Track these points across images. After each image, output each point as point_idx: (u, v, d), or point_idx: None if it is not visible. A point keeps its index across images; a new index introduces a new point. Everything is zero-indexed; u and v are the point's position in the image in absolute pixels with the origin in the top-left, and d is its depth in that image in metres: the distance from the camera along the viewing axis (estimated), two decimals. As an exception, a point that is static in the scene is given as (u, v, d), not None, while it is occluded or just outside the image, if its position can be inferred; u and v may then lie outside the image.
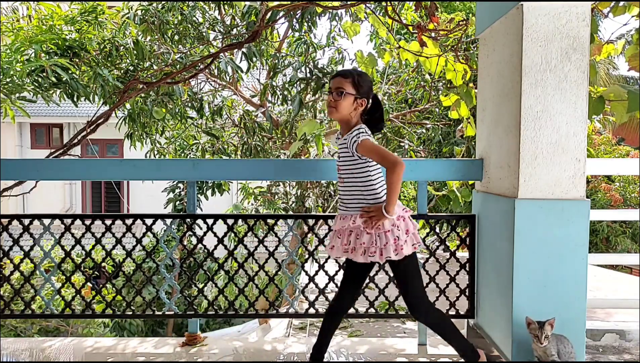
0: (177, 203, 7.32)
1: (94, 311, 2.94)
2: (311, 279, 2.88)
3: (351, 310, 2.87)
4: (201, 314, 2.97)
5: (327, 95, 2.22)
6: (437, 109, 7.49)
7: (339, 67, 6.92)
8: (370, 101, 2.23)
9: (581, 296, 2.26)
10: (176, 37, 6.09)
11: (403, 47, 3.87)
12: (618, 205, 9.97)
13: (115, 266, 3.10)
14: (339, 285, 2.38)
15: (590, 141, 9.50)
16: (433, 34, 3.76)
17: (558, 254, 2.26)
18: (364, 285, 2.64)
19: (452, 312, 2.85)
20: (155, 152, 7.42)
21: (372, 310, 2.88)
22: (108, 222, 2.95)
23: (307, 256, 2.96)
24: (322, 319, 2.39)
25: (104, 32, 5.21)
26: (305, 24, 5.69)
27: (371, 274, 2.88)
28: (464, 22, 3.87)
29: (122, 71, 5.61)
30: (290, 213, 7.55)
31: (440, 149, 7.19)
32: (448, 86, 6.79)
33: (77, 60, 4.90)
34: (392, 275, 2.58)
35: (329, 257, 2.76)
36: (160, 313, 2.92)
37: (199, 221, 2.94)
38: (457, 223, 2.97)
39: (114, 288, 3.31)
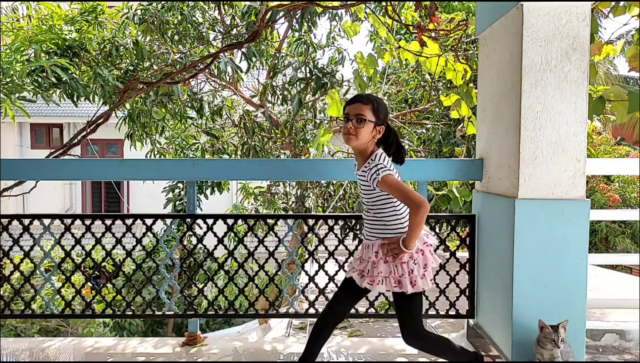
0: (177, 202, 7.31)
1: (94, 311, 2.94)
2: (311, 279, 2.88)
3: (351, 310, 2.87)
4: (201, 314, 2.97)
5: (344, 121, 2.11)
6: (437, 109, 7.48)
7: (339, 67, 6.91)
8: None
9: (581, 296, 2.26)
10: (176, 37, 6.09)
11: (403, 47, 3.86)
12: (617, 205, 9.97)
13: (115, 266, 3.11)
14: (335, 294, 2.30)
15: (590, 141, 9.50)
16: (433, 34, 3.76)
17: (558, 254, 2.26)
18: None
19: (452, 312, 2.86)
20: (155, 152, 7.41)
21: (372, 310, 2.88)
22: (108, 222, 2.95)
23: (307, 256, 2.96)
24: None
25: (103, 32, 5.21)
26: (305, 24, 5.69)
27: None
28: (464, 22, 3.87)
29: (122, 71, 5.61)
30: (290, 213, 7.55)
31: (440, 149, 7.18)
32: (448, 86, 6.78)
33: (77, 60, 4.90)
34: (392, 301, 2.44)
35: (328, 257, 2.76)
36: (160, 313, 2.92)
37: (199, 221, 2.94)
38: (457, 223, 2.97)
39: (114, 288, 3.31)
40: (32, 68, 4.35)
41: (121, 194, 15.43)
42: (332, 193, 7.54)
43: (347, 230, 2.89)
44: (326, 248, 2.94)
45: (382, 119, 2.10)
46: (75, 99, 4.97)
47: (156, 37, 5.75)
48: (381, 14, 5.30)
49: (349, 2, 4.79)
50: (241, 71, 6.40)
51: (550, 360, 2.11)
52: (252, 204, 8.01)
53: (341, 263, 2.88)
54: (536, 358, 2.17)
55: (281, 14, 5.09)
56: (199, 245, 2.97)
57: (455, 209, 3.49)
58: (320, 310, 2.90)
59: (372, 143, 2.12)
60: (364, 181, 2.11)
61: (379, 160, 2.05)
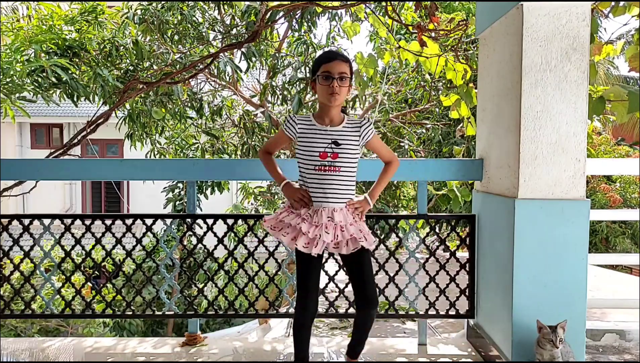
0: (177, 202, 7.31)
1: (94, 311, 2.94)
2: (311, 279, 2.88)
3: (351, 310, 2.87)
4: (201, 314, 2.97)
5: (321, 80, 2.08)
6: (437, 109, 7.48)
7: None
8: None
9: (581, 296, 2.26)
10: (176, 37, 6.09)
11: (403, 47, 3.86)
12: (617, 206, 9.97)
13: (115, 266, 3.10)
14: (308, 289, 2.15)
15: (590, 141, 9.50)
16: (433, 34, 3.76)
17: (558, 254, 2.26)
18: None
19: (452, 312, 2.86)
20: (155, 152, 7.41)
21: (372, 310, 2.88)
22: (108, 222, 2.95)
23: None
24: (321, 319, 2.37)
25: (103, 32, 5.21)
26: (305, 24, 5.69)
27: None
28: (464, 22, 3.87)
29: (122, 71, 5.61)
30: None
31: (440, 149, 7.18)
32: (448, 86, 6.78)
33: (77, 60, 4.90)
34: (350, 270, 2.29)
35: (328, 257, 2.75)
36: (160, 313, 2.92)
37: (199, 221, 2.94)
38: (457, 223, 2.98)
39: (114, 288, 3.31)
40: (32, 68, 4.34)
41: (121, 194, 15.43)
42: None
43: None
44: (326, 248, 2.94)
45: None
46: (75, 99, 4.97)
47: (156, 37, 5.75)
48: (381, 14, 5.30)
49: (349, 2, 4.79)
50: (241, 71, 6.40)
51: (550, 361, 2.11)
52: (252, 204, 8.01)
53: (341, 263, 2.88)
54: (536, 359, 2.17)
55: (281, 14, 5.09)
56: (199, 245, 2.97)
57: (455, 209, 3.49)
58: (321, 310, 2.90)
59: None
60: (351, 136, 2.13)
61: (367, 119, 2.13)
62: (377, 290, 2.26)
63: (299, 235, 2.09)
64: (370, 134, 2.17)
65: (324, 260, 2.32)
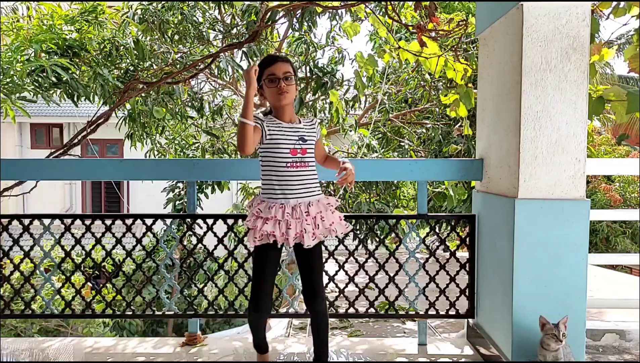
0: (177, 202, 7.31)
1: (94, 311, 2.95)
2: (311, 279, 2.88)
3: (351, 310, 2.87)
4: (201, 314, 2.97)
5: (267, 82, 2.15)
6: (437, 109, 7.49)
7: (339, 67, 6.91)
8: None
9: (581, 296, 2.26)
10: (176, 37, 6.09)
11: (403, 48, 3.86)
12: (618, 205, 9.97)
13: (115, 266, 3.11)
14: (263, 283, 2.19)
15: (590, 141, 9.50)
16: (433, 34, 3.76)
17: (558, 254, 2.26)
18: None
19: (452, 312, 2.86)
20: (156, 152, 7.42)
21: (372, 310, 2.88)
22: (108, 222, 2.95)
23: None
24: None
25: (104, 32, 5.21)
26: (305, 23, 5.68)
27: (371, 274, 2.89)
28: (464, 22, 3.87)
29: (122, 71, 5.61)
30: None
31: (440, 149, 7.19)
32: (448, 85, 6.78)
33: (77, 60, 4.89)
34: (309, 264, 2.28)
35: (328, 257, 2.75)
36: (160, 313, 2.92)
37: (199, 221, 2.94)
38: (457, 223, 2.97)
39: (114, 288, 3.31)
40: (32, 68, 4.34)
41: (121, 194, 15.43)
42: (332, 192, 7.54)
43: (347, 230, 2.88)
44: (326, 248, 2.94)
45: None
46: (75, 99, 4.97)
47: (156, 36, 5.76)
48: (381, 14, 5.30)
49: (349, 2, 4.79)
50: (241, 71, 6.40)
51: (553, 361, 2.11)
52: (252, 204, 7.98)
53: (341, 263, 2.88)
54: (538, 359, 2.17)
55: (281, 13, 5.09)
56: (199, 245, 2.97)
57: (449, 207, 3.50)
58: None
59: None
60: (311, 133, 2.25)
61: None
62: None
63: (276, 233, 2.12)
64: (319, 132, 2.36)
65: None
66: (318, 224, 2.16)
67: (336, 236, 2.32)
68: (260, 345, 2.38)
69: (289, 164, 2.15)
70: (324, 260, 2.31)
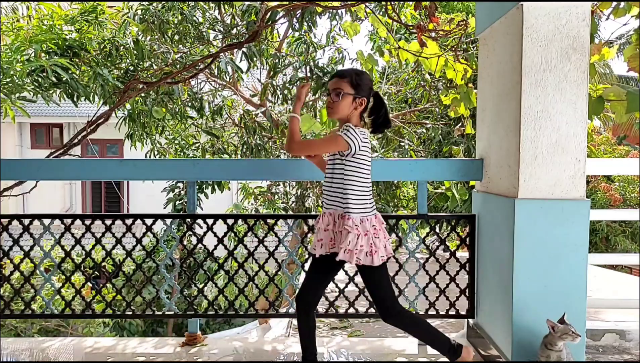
0: (177, 202, 7.31)
1: (94, 311, 2.95)
2: (311, 279, 2.88)
3: (351, 310, 2.87)
4: (201, 314, 2.97)
5: (326, 96, 2.22)
6: (437, 109, 7.49)
7: (339, 67, 6.91)
8: (372, 99, 2.21)
9: (581, 296, 2.26)
10: (176, 37, 6.09)
11: (403, 48, 3.87)
12: (618, 205, 9.96)
13: (115, 266, 3.11)
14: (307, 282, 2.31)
15: (590, 140, 9.50)
16: (433, 34, 3.76)
17: (558, 254, 2.26)
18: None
19: (452, 312, 2.86)
20: (155, 152, 7.41)
21: (372, 310, 2.88)
22: (108, 222, 2.95)
23: (307, 256, 2.96)
24: (321, 319, 2.38)
25: (104, 32, 5.21)
26: (305, 23, 5.68)
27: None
28: (464, 22, 3.87)
29: (122, 71, 5.61)
30: (290, 212, 7.55)
31: (440, 149, 7.18)
32: (448, 85, 6.79)
33: (77, 60, 4.89)
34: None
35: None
36: (160, 313, 2.92)
37: (199, 221, 2.94)
38: (457, 222, 2.97)
39: (114, 288, 3.31)
40: (32, 68, 4.34)
41: (121, 194, 15.43)
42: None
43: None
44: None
45: (364, 91, 2.16)
46: (75, 99, 4.97)
47: (156, 36, 5.75)
48: (381, 13, 5.30)
49: (349, 2, 4.79)
50: (241, 71, 6.40)
51: (557, 361, 2.11)
52: (252, 204, 8.01)
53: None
54: (539, 360, 2.17)
55: (281, 13, 5.09)
56: (199, 245, 2.97)
57: (452, 207, 3.50)
58: (321, 310, 2.91)
59: (355, 114, 2.18)
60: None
61: (347, 126, 2.11)
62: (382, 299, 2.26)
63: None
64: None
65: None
66: (350, 241, 2.15)
67: None
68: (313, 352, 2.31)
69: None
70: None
